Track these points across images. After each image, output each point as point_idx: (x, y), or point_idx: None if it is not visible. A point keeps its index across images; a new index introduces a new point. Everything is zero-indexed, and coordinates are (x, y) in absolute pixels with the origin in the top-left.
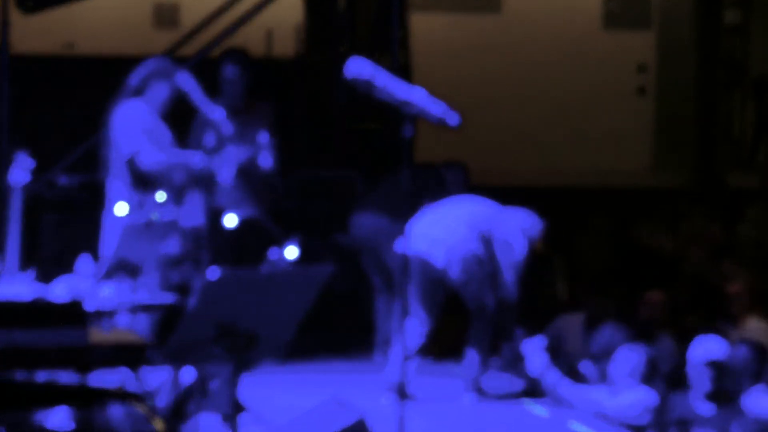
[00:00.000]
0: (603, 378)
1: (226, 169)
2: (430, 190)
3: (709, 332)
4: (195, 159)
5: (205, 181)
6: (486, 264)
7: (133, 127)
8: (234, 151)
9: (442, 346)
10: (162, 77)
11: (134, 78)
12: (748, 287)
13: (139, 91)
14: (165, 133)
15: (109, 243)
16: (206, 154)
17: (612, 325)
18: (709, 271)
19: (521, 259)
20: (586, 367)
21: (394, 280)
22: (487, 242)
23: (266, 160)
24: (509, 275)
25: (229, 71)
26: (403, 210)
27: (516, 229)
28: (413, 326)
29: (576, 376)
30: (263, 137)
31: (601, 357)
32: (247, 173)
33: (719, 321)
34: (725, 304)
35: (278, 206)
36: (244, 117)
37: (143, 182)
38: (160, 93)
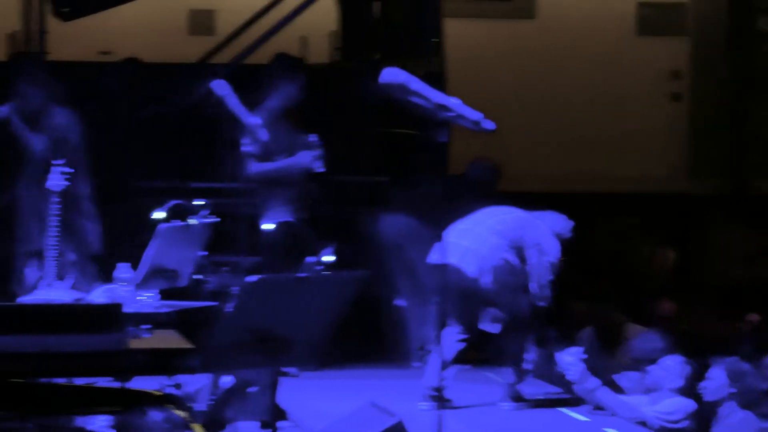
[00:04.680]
0: (640, 386)
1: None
2: (463, 197)
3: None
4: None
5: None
6: (519, 272)
7: None
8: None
9: (479, 353)
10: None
11: None
12: None
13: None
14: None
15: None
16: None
17: (655, 333)
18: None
19: (555, 261)
20: (621, 378)
21: (419, 282)
22: (518, 250)
23: (318, 166)
24: (544, 279)
25: (291, 73)
26: (434, 214)
27: (547, 232)
28: (450, 334)
29: (611, 387)
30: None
31: (641, 363)
32: (289, 180)
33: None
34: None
35: (313, 211)
36: (288, 124)
37: None
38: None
